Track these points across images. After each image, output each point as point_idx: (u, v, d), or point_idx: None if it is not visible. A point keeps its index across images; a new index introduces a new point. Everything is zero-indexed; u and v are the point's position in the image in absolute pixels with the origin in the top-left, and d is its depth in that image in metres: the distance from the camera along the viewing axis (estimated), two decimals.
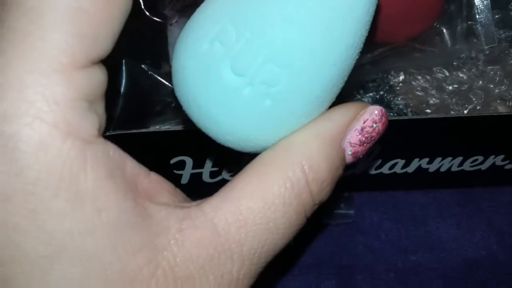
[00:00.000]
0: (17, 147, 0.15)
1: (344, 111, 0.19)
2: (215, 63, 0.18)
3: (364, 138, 0.19)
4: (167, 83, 0.35)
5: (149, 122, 0.35)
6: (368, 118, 0.19)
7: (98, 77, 0.16)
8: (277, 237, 0.18)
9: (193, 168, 0.36)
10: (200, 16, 0.19)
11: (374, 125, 0.20)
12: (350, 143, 0.19)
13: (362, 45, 0.18)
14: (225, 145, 0.19)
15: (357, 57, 0.18)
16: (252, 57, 0.17)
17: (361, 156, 0.20)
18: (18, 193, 0.15)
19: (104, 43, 0.16)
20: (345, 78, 0.19)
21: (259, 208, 0.17)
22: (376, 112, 0.20)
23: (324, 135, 0.19)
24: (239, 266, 0.17)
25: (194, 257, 0.17)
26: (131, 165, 0.17)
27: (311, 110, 0.19)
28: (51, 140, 0.15)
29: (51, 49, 0.15)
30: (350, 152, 0.19)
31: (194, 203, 0.18)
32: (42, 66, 0.15)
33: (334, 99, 0.19)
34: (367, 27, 0.18)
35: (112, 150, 0.16)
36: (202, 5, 0.19)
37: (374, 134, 0.20)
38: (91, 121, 0.16)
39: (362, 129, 0.19)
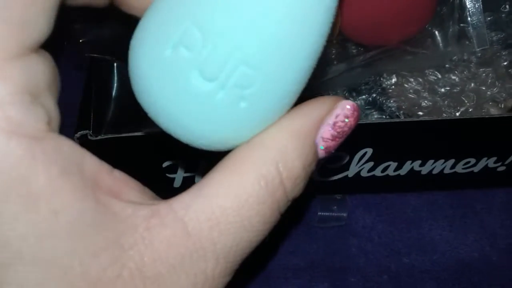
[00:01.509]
0: None
1: (317, 106, 0.19)
2: (182, 69, 0.17)
3: (336, 133, 0.19)
4: None
5: (141, 125, 0.35)
6: (340, 113, 0.19)
7: (38, 66, 0.15)
8: (252, 235, 0.18)
9: (186, 171, 0.36)
10: (158, 16, 0.17)
11: (346, 120, 0.19)
12: (323, 138, 0.19)
13: (328, 33, 0.18)
14: (198, 148, 0.19)
15: (324, 44, 0.18)
16: (223, 61, 0.17)
17: (333, 151, 0.20)
18: None
19: (37, 25, 0.15)
20: (314, 67, 0.18)
21: (232, 207, 0.17)
22: (348, 106, 0.19)
23: (298, 131, 0.18)
24: (214, 265, 0.17)
25: (163, 256, 0.16)
26: (90, 161, 0.16)
27: (285, 105, 0.19)
28: None
29: None
30: (322, 147, 0.19)
31: (163, 200, 0.18)
32: None
33: (304, 87, 0.19)
34: (333, 17, 0.18)
35: (67, 146, 0.15)
36: (157, 2, 0.18)
37: (346, 128, 0.19)
38: (37, 115, 0.15)
39: (334, 123, 0.19)
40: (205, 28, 0.16)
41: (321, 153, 0.19)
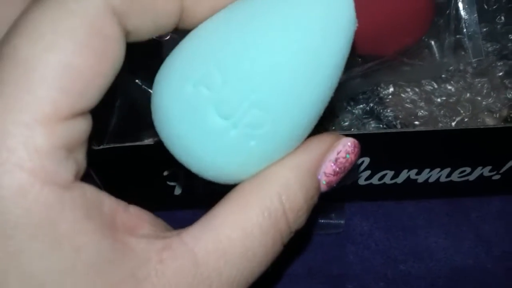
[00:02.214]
0: None
1: (320, 143, 0.20)
2: (200, 106, 0.18)
3: (338, 169, 0.21)
4: None
5: (143, 135, 0.36)
6: (341, 150, 0.21)
7: (81, 128, 0.17)
8: (255, 265, 0.19)
9: (186, 179, 0.37)
10: (183, 55, 0.19)
11: (347, 156, 0.21)
12: (325, 173, 0.20)
13: (337, 84, 0.19)
14: (207, 179, 0.20)
15: (333, 94, 0.20)
16: (238, 102, 0.18)
17: (334, 185, 0.21)
18: None
19: (91, 97, 0.17)
20: (322, 113, 0.20)
21: (238, 237, 0.18)
22: (349, 143, 0.21)
23: (301, 167, 0.20)
24: None
25: (173, 286, 0.17)
26: (108, 202, 0.18)
27: (292, 145, 0.20)
28: (30, 186, 0.15)
29: (36, 102, 0.16)
30: (324, 182, 0.21)
31: (175, 232, 0.19)
32: (26, 117, 0.16)
33: (311, 131, 0.20)
34: (342, 69, 0.19)
35: (89, 191, 0.17)
36: (184, 42, 0.19)
37: (347, 164, 0.21)
38: (68, 168, 0.16)
39: (336, 160, 0.20)
40: (225, 71, 0.18)
41: (323, 187, 0.21)
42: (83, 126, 0.17)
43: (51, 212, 0.16)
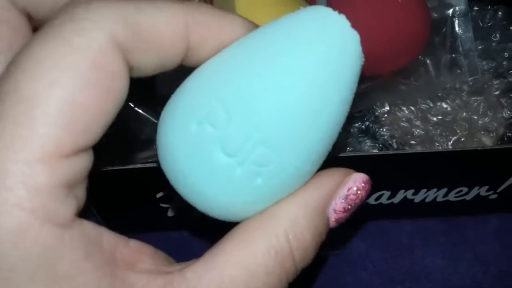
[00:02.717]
0: None
1: (330, 179, 0.20)
2: (205, 144, 0.18)
3: (348, 206, 0.20)
4: (152, 119, 0.34)
5: (135, 157, 0.35)
6: (352, 186, 0.20)
7: (82, 164, 0.16)
8: None
9: (179, 201, 0.36)
10: (188, 93, 0.19)
11: (358, 192, 0.20)
12: (335, 210, 0.20)
13: (345, 119, 0.19)
14: (214, 217, 0.20)
15: (341, 130, 0.19)
16: (243, 139, 0.18)
17: (343, 221, 0.20)
18: None
19: (94, 134, 0.16)
20: (330, 149, 0.19)
21: (241, 276, 0.18)
22: (360, 179, 0.20)
23: (310, 204, 0.19)
24: None
25: None
26: (108, 238, 0.17)
27: (299, 182, 0.19)
28: (29, 226, 0.15)
29: (38, 140, 0.15)
30: (334, 219, 0.20)
31: (177, 266, 0.19)
32: (26, 155, 0.15)
33: (319, 167, 0.20)
34: (350, 104, 0.19)
35: (89, 228, 0.17)
36: (188, 80, 0.19)
37: (357, 201, 0.20)
38: (69, 206, 0.16)
39: (346, 196, 0.20)
40: (229, 108, 0.17)
41: (332, 224, 0.20)
42: (84, 162, 0.17)
43: (51, 252, 0.15)
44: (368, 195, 0.20)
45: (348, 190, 0.20)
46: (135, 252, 0.18)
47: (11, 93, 0.15)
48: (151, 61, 0.18)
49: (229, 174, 0.18)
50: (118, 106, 0.17)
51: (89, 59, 0.16)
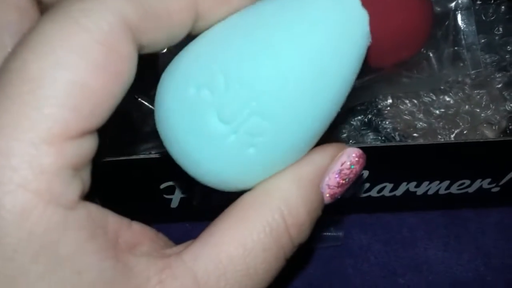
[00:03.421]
0: None
1: (323, 154, 0.20)
2: (201, 109, 0.18)
3: (342, 180, 0.20)
4: None
5: (138, 148, 0.35)
6: (345, 160, 0.20)
7: (88, 146, 0.16)
8: (257, 282, 0.18)
9: (183, 192, 0.36)
10: (188, 57, 0.18)
11: (352, 167, 0.20)
12: (328, 185, 0.20)
13: (345, 99, 0.19)
14: (205, 184, 0.19)
15: (340, 109, 0.19)
16: (239, 107, 0.17)
17: (339, 197, 0.20)
18: None
19: (101, 116, 0.16)
20: (327, 128, 0.19)
21: (238, 255, 0.18)
22: (353, 154, 0.20)
23: (303, 179, 0.19)
24: None
25: None
26: (112, 221, 0.17)
27: (293, 158, 0.19)
28: (33, 208, 0.15)
29: (44, 120, 0.15)
30: (328, 194, 0.20)
31: (175, 249, 0.19)
32: (33, 136, 0.15)
33: (314, 145, 0.20)
34: (351, 84, 0.18)
35: (94, 211, 0.17)
36: (191, 45, 0.19)
37: (351, 175, 0.20)
38: (74, 188, 0.16)
39: (340, 171, 0.20)
40: (229, 75, 0.17)
41: (327, 199, 0.20)
42: (90, 144, 0.17)
43: (54, 234, 0.15)
44: (362, 169, 0.20)
45: (342, 164, 0.20)
46: (137, 234, 0.18)
47: (17, 72, 0.15)
48: (160, 37, 0.17)
49: (222, 141, 0.18)
50: (125, 88, 0.17)
51: (98, 40, 0.16)
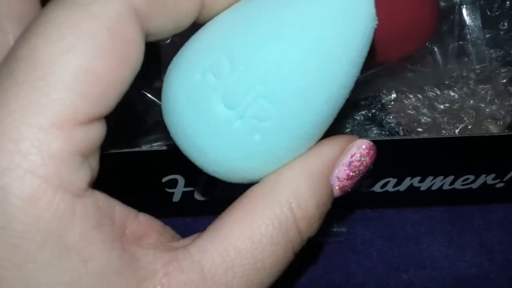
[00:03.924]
0: (7, 200, 0.15)
1: (332, 146, 0.19)
2: (206, 94, 0.18)
3: (352, 173, 0.19)
4: (159, 102, 0.34)
5: (141, 140, 0.35)
6: (355, 152, 0.19)
7: (97, 132, 0.16)
8: (264, 276, 0.18)
9: (185, 186, 0.36)
10: (195, 44, 0.18)
11: (362, 159, 0.20)
12: (338, 177, 0.19)
13: (353, 85, 0.18)
14: (211, 175, 0.19)
15: (348, 96, 0.18)
16: (245, 91, 0.17)
17: (349, 190, 0.20)
18: (3, 245, 0.15)
19: (109, 102, 0.16)
20: (335, 115, 0.19)
21: (246, 248, 0.17)
22: (364, 146, 0.20)
23: (312, 172, 0.19)
24: None
25: None
26: (119, 210, 0.17)
27: (300, 146, 0.19)
28: (42, 194, 0.15)
29: (53, 106, 0.15)
30: (338, 187, 0.19)
31: (182, 242, 0.18)
32: (42, 121, 0.15)
33: (323, 134, 0.19)
34: (360, 68, 0.18)
35: (101, 200, 0.17)
36: (197, 33, 0.19)
37: (362, 168, 0.20)
38: (83, 175, 0.16)
39: (349, 163, 0.19)
40: (234, 59, 0.17)
41: (337, 192, 0.20)
42: (99, 131, 0.17)
43: (61, 221, 0.15)
44: (372, 162, 0.20)
45: (352, 156, 0.19)
46: (144, 226, 0.18)
47: (26, 57, 0.15)
48: (167, 25, 0.17)
49: (228, 126, 0.18)
50: (134, 74, 0.17)
51: (106, 26, 0.16)
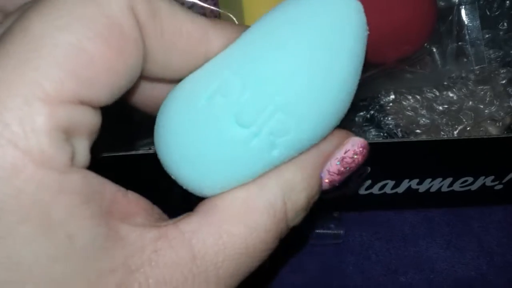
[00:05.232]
0: None
1: (328, 140, 0.20)
2: (216, 117, 0.17)
3: (342, 168, 0.20)
4: None
5: (137, 144, 0.35)
6: (349, 149, 0.20)
7: (85, 117, 0.16)
8: (253, 260, 0.18)
9: (183, 190, 0.36)
10: (192, 79, 0.18)
11: (355, 156, 0.20)
12: (329, 171, 0.20)
13: (356, 86, 0.19)
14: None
15: (351, 101, 0.19)
16: (260, 107, 0.17)
17: (336, 185, 0.20)
18: None
19: (100, 90, 0.16)
20: (340, 119, 0.19)
21: (240, 234, 0.18)
22: (358, 143, 0.20)
23: (307, 165, 0.19)
24: None
25: (167, 278, 0.17)
26: (109, 188, 0.17)
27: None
28: (23, 166, 0.15)
29: (40, 79, 0.15)
30: (327, 180, 0.20)
31: (171, 221, 0.18)
32: (27, 92, 0.15)
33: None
34: (359, 73, 0.18)
35: (90, 177, 0.16)
36: (188, 76, 0.18)
37: (353, 165, 0.20)
38: (65, 152, 0.16)
39: (342, 159, 0.20)
40: (244, 74, 0.17)
41: (325, 185, 0.20)
42: (88, 116, 0.16)
43: (45, 194, 0.15)
44: (364, 160, 0.20)
45: (345, 152, 0.20)
46: (132, 204, 0.18)
47: (21, 29, 0.16)
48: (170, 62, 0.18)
49: (244, 147, 0.17)
50: (131, 73, 0.17)
51: (106, 15, 0.16)
